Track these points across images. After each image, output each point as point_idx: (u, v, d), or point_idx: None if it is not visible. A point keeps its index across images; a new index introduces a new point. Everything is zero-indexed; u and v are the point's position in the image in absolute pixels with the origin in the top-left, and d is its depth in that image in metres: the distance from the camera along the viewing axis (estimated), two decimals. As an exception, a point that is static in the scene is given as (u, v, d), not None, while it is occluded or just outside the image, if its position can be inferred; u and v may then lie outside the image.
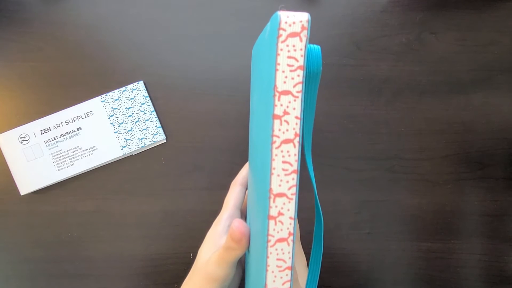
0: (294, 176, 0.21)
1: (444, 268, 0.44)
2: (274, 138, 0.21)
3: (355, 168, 0.44)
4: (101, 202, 0.43)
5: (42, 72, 0.43)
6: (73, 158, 0.42)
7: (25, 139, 0.42)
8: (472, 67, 0.45)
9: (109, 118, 0.43)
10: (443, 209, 0.44)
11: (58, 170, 0.42)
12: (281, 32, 0.20)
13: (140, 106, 0.43)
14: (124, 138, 0.43)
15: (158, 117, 0.44)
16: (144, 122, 0.43)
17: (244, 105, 0.44)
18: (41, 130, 0.42)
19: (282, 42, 0.20)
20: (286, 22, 0.19)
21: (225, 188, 0.35)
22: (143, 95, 0.43)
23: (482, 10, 0.46)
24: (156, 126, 0.43)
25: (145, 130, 0.43)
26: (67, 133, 0.42)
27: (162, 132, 0.43)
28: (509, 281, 0.44)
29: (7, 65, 0.43)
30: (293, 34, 0.20)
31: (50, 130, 0.42)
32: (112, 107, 0.43)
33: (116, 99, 0.43)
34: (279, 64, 0.20)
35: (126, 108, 0.43)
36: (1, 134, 0.42)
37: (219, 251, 0.27)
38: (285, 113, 0.21)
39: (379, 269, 0.44)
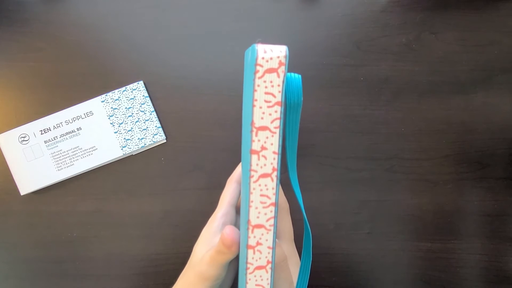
0: (272, 208, 0.22)
1: (444, 268, 0.44)
2: (252, 173, 0.21)
3: (355, 168, 0.44)
4: (101, 202, 0.43)
5: (42, 72, 0.43)
6: (73, 158, 0.42)
7: (25, 139, 0.42)
8: (472, 67, 0.45)
9: (109, 118, 0.43)
10: (443, 209, 0.44)
11: (58, 170, 0.42)
12: (258, 68, 0.19)
13: (140, 106, 0.43)
14: (124, 138, 0.43)
15: (158, 117, 0.44)
16: (144, 122, 0.43)
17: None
18: (41, 130, 0.42)
19: (259, 78, 0.19)
20: (263, 58, 0.19)
21: (225, 188, 0.35)
22: (143, 95, 0.43)
23: (482, 10, 0.46)
24: (156, 126, 0.43)
25: (145, 130, 0.43)
26: (67, 133, 0.42)
27: (162, 132, 0.43)
28: (509, 281, 0.44)
29: (7, 65, 0.43)
30: (270, 70, 0.19)
31: (50, 130, 0.42)
32: (112, 107, 0.43)
33: (116, 99, 0.43)
34: (256, 100, 0.20)
35: (126, 108, 0.43)
36: (1, 134, 0.42)
37: (211, 252, 0.28)
38: (263, 148, 0.21)
39: (379, 269, 0.44)
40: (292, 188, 0.25)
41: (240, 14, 0.45)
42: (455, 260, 0.44)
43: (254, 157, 0.21)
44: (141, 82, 0.43)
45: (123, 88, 0.43)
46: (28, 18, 0.43)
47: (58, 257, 0.43)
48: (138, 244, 0.43)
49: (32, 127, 0.42)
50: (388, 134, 0.44)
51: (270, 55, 0.19)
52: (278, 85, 0.20)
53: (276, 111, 0.20)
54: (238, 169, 0.35)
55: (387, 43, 0.45)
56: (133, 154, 0.43)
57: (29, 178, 0.42)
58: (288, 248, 0.34)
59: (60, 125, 0.42)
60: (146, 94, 0.43)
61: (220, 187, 0.43)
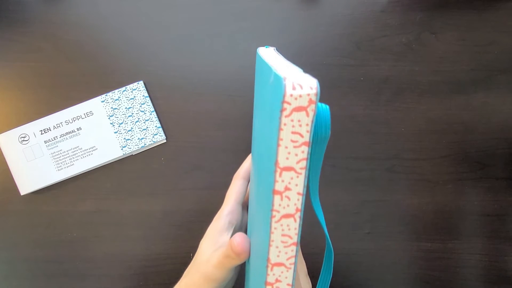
0: (294, 248, 0.21)
1: (444, 268, 0.44)
2: (274, 213, 0.20)
3: (355, 168, 0.44)
4: (101, 202, 0.43)
5: (42, 72, 0.43)
6: (73, 158, 0.42)
7: (25, 139, 0.42)
8: (472, 67, 0.45)
9: (109, 118, 0.43)
10: (443, 209, 0.44)
11: (58, 170, 0.42)
12: (285, 105, 0.17)
13: (140, 106, 0.43)
14: (124, 138, 0.43)
15: (158, 117, 0.44)
16: (144, 122, 0.43)
17: (244, 105, 0.44)
18: (41, 130, 0.42)
19: (286, 116, 0.17)
20: (291, 95, 0.17)
21: (225, 188, 0.35)
22: (143, 95, 0.43)
23: (482, 10, 0.46)
24: (156, 126, 0.43)
25: (145, 130, 0.43)
26: (67, 133, 0.42)
27: (162, 132, 0.43)
28: (509, 281, 0.44)
29: (7, 65, 0.43)
30: (299, 109, 0.17)
31: (50, 130, 0.42)
32: (112, 107, 0.43)
33: (116, 99, 0.43)
34: (281, 139, 0.18)
35: (126, 108, 0.43)
36: (1, 134, 0.42)
37: (219, 256, 0.27)
38: (287, 189, 0.19)
39: (379, 269, 0.44)
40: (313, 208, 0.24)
41: (240, 14, 0.45)
42: (455, 260, 0.44)
43: (277, 198, 0.19)
44: (141, 82, 0.43)
45: (123, 88, 0.43)
46: (28, 18, 0.43)
47: (58, 257, 0.43)
48: (138, 244, 0.43)
49: (32, 127, 0.42)
50: (388, 134, 0.44)
51: (300, 92, 0.17)
52: (307, 125, 0.18)
53: (303, 152, 0.18)
54: (244, 165, 0.34)
55: (387, 43, 0.45)
56: (133, 154, 0.43)
57: (29, 178, 0.42)
58: (303, 280, 0.34)
59: (60, 125, 0.42)
60: (146, 94, 0.43)
61: (220, 187, 0.44)
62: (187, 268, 0.32)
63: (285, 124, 0.18)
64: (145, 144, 0.43)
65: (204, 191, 0.44)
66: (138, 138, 0.43)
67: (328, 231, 0.44)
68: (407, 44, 0.45)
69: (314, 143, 0.20)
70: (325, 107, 0.20)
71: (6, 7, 0.43)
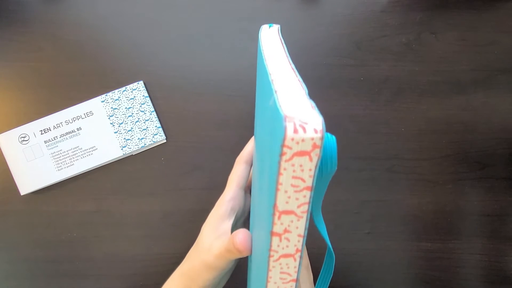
0: (293, 284, 0.20)
1: (444, 268, 0.44)
2: (272, 253, 0.19)
3: (355, 168, 0.44)
4: (101, 202, 0.43)
5: (42, 72, 0.43)
6: (73, 158, 0.42)
7: (25, 139, 0.42)
8: (472, 67, 0.45)
9: (109, 118, 0.43)
10: (443, 209, 0.44)
11: (58, 170, 0.42)
12: (285, 150, 0.15)
13: (140, 106, 0.43)
14: (124, 138, 0.43)
15: (158, 117, 0.44)
16: (144, 122, 0.43)
17: (244, 105, 0.44)
18: (41, 130, 0.42)
19: (286, 161, 0.15)
20: (293, 139, 0.14)
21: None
22: (143, 95, 0.43)
23: (482, 10, 0.46)
24: (156, 126, 0.43)
25: (145, 130, 0.43)
26: (67, 133, 0.42)
27: (162, 132, 0.43)
28: (509, 281, 0.44)
29: (7, 65, 0.43)
30: (301, 153, 0.15)
31: (50, 130, 0.42)
32: (112, 107, 0.43)
33: (116, 99, 0.43)
34: (281, 184, 0.16)
35: (126, 108, 0.43)
36: (1, 134, 0.42)
37: (220, 248, 0.27)
38: (286, 231, 0.18)
39: (379, 269, 0.44)
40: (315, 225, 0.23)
41: (240, 14, 0.45)
42: (455, 260, 0.44)
43: (275, 239, 0.18)
44: (141, 82, 0.43)
45: (123, 88, 0.43)
46: (28, 18, 0.43)
47: (58, 257, 0.43)
48: (138, 244, 0.43)
49: (32, 127, 0.42)
50: (388, 134, 0.44)
51: (302, 136, 0.14)
52: (310, 170, 0.15)
53: (304, 196, 0.16)
54: (247, 148, 0.33)
55: (387, 43, 0.45)
56: (133, 154, 0.43)
57: (29, 178, 0.42)
58: (303, 273, 0.33)
59: (60, 125, 0.42)
60: (146, 94, 0.43)
61: (220, 187, 0.43)
62: (188, 252, 0.32)
63: (285, 169, 0.15)
64: (145, 144, 0.43)
65: (204, 191, 0.44)
66: (138, 138, 0.43)
67: (328, 231, 0.44)
68: (407, 44, 0.45)
69: (318, 178, 0.18)
70: (331, 138, 0.17)
71: (6, 7, 0.43)
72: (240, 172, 0.31)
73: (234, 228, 0.33)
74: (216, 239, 0.28)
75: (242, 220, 0.35)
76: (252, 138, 0.33)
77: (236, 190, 0.31)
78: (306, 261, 0.35)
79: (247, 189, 0.35)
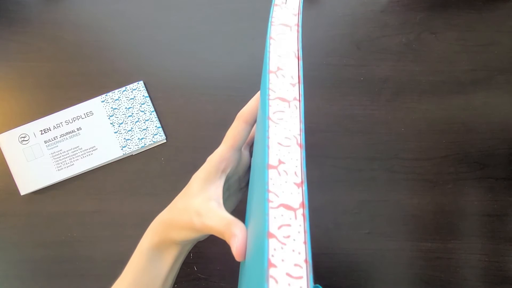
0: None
1: (444, 268, 0.44)
2: None
3: (355, 168, 0.44)
4: (101, 202, 0.43)
5: (42, 72, 0.43)
6: (73, 158, 0.42)
7: (25, 139, 0.42)
8: (472, 67, 0.45)
9: (109, 118, 0.43)
10: (443, 209, 0.44)
11: (58, 170, 0.42)
12: None
13: (140, 106, 0.43)
14: (124, 138, 0.43)
15: (158, 117, 0.44)
16: (144, 122, 0.43)
17: (244, 106, 0.44)
18: (41, 130, 0.42)
19: None
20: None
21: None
22: (143, 95, 0.43)
23: (482, 10, 0.46)
24: (156, 126, 0.43)
25: (145, 130, 0.43)
26: (67, 133, 0.42)
27: (162, 132, 0.43)
28: (509, 281, 0.44)
29: (7, 65, 0.43)
30: None
31: (50, 130, 0.42)
32: (112, 107, 0.43)
33: (116, 99, 0.43)
34: None
35: (126, 108, 0.43)
36: (1, 134, 0.42)
37: (209, 224, 0.26)
38: None
39: (379, 269, 0.44)
40: None
41: (240, 14, 0.45)
42: (455, 260, 0.44)
43: None
44: (141, 82, 0.43)
45: (123, 88, 0.43)
46: (28, 18, 0.43)
47: (58, 257, 0.43)
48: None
49: (32, 127, 0.42)
50: (388, 134, 0.44)
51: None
52: None
53: None
54: (250, 105, 0.29)
55: (387, 43, 0.45)
56: (133, 154, 0.43)
57: (29, 178, 0.42)
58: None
59: (60, 125, 0.42)
60: (146, 94, 0.43)
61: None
62: (174, 202, 0.32)
63: None
64: (145, 144, 0.43)
65: (204, 191, 0.44)
66: (138, 138, 0.43)
67: (328, 231, 0.44)
68: (407, 44, 0.45)
69: None
70: None
71: (6, 7, 0.43)
72: (238, 132, 0.29)
73: (226, 194, 0.32)
74: (204, 201, 0.27)
75: (236, 178, 0.33)
76: (256, 95, 0.30)
77: (230, 151, 0.29)
78: None
79: (246, 146, 0.34)
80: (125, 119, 0.43)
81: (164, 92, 0.44)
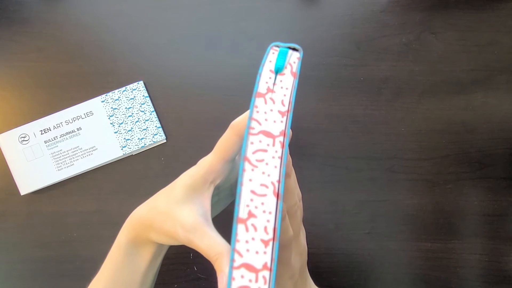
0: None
1: (444, 268, 0.44)
2: None
3: (355, 168, 0.44)
4: (101, 202, 0.43)
5: (42, 72, 0.43)
6: (73, 158, 0.42)
7: (25, 139, 0.42)
8: (472, 67, 0.45)
9: (109, 118, 0.43)
10: (443, 209, 0.44)
11: (58, 170, 0.42)
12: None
13: (140, 106, 0.43)
14: (124, 138, 0.43)
15: (158, 117, 0.44)
16: (144, 122, 0.43)
17: (243, 106, 0.44)
18: (41, 130, 0.42)
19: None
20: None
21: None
22: (143, 95, 0.43)
23: (482, 10, 0.46)
24: (156, 126, 0.43)
25: (145, 130, 0.43)
26: (67, 133, 0.42)
27: (162, 132, 0.43)
28: (509, 281, 0.44)
29: (7, 65, 0.43)
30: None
31: (50, 130, 0.42)
32: (112, 107, 0.43)
33: (116, 99, 0.43)
34: None
35: (126, 108, 0.43)
36: (1, 134, 0.42)
37: (197, 244, 0.25)
38: None
39: (379, 269, 0.44)
40: None
41: (240, 14, 0.45)
42: (455, 260, 0.44)
43: None
44: (141, 82, 0.43)
45: (123, 88, 0.43)
46: (28, 18, 0.43)
47: (58, 257, 0.43)
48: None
49: (32, 127, 0.42)
50: (388, 134, 0.44)
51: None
52: None
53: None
54: (244, 116, 0.27)
55: (387, 43, 0.45)
56: (133, 154, 0.43)
57: (29, 178, 0.42)
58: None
59: (60, 125, 0.42)
60: (146, 94, 0.43)
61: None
62: (154, 199, 0.31)
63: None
64: (145, 144, 0.43)
65: (204, 191, 0.43)
66: (138, 138, 0.43)
67: (328, 231, 0.44)
68: (407, 44, 0.45)
69: None
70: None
71: (6, 7, 0.43)
72: (230, 145, 0.28)
73: (215, 198, 0.31)
74: (191, 215, 0.26)
75: (228, 186, 0.32)
76: None
77: (220, 163, 0.28)
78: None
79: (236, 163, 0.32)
80: (125, 119, 0.43)
81: (164, 92, 0.44)
